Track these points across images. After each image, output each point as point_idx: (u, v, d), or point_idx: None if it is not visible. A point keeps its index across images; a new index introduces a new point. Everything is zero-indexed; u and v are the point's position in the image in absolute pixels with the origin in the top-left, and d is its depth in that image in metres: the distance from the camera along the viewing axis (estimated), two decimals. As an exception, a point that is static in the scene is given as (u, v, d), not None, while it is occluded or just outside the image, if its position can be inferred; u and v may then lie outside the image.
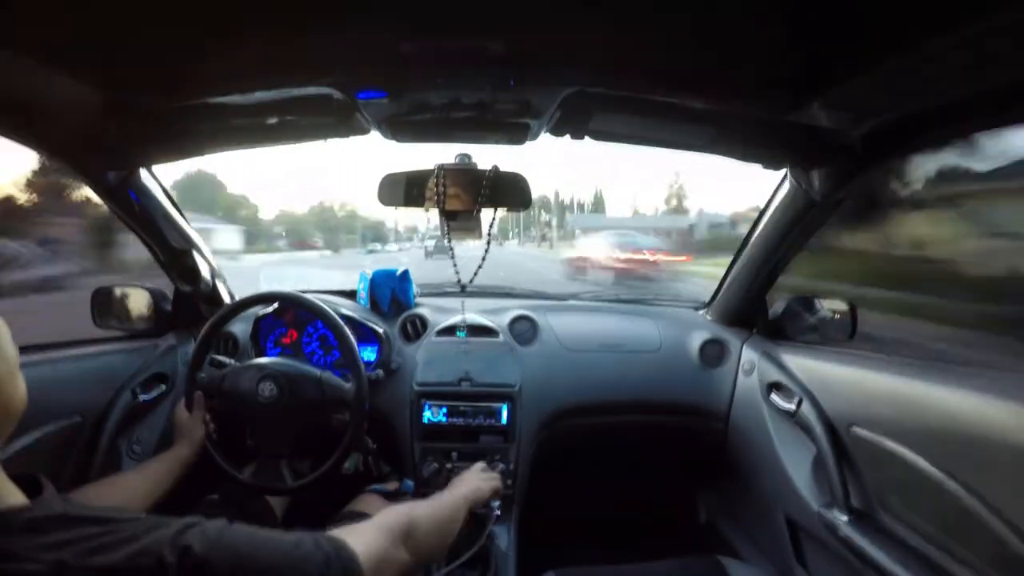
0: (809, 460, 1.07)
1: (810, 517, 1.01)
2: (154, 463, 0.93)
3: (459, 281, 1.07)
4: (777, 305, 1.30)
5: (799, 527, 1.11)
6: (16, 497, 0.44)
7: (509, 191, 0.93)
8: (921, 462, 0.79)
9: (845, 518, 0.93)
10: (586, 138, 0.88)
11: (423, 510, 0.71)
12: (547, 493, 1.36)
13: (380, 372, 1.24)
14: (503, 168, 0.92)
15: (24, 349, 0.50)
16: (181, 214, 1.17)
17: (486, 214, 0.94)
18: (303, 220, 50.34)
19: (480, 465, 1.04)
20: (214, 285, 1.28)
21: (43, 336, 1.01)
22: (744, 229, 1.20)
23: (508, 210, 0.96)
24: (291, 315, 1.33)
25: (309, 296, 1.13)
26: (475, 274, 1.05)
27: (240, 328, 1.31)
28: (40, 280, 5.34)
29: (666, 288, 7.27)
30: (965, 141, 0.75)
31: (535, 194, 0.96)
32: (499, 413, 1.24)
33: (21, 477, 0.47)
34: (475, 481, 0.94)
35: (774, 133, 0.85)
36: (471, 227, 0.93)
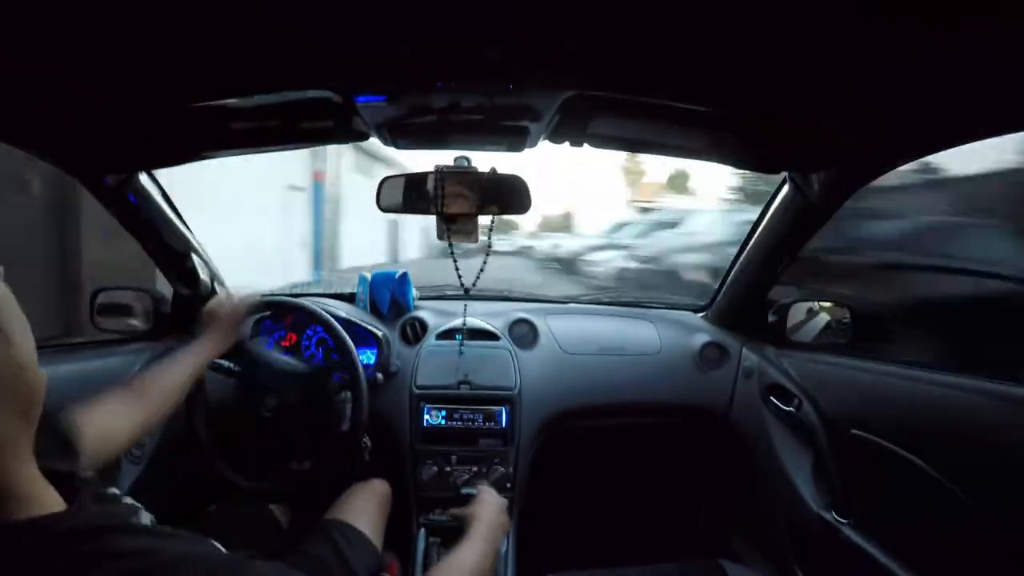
0: (809, 462, 1.07)
1: (810, 519, 1.01)
2: (179, 362, 0.88)
3: (462, 284, 1.07)
4: (776, 308, 1.30)
5: (799, 529, 1.10)
6: (55, 503, 0.41)
7: (508, 194, 0.92)
8: (921, 464, 0.79)
9: (845, 520, 0.92)
10: (585, 145, 0.88)
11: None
12: (546, 496, 1.36)
13: (379, 375, 1.24)
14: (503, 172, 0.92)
15: None
16: (180, 217, 1.17)
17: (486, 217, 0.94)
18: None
19: (488, 499, 0.87)
20: (213, 288, 1.28)
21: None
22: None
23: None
24: (290, 318, 1.32)
25: (307, 301, 1.13)
26: (477, 278, 1.05)
27: (240, 330, 1.31)
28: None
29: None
30: (966, 145, 0.75)
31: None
32: (498, 416, 1.24)
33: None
34: (493, 520, 0.82)
35: (774, 137, 0.85)
36: (469, 230, 0.93)
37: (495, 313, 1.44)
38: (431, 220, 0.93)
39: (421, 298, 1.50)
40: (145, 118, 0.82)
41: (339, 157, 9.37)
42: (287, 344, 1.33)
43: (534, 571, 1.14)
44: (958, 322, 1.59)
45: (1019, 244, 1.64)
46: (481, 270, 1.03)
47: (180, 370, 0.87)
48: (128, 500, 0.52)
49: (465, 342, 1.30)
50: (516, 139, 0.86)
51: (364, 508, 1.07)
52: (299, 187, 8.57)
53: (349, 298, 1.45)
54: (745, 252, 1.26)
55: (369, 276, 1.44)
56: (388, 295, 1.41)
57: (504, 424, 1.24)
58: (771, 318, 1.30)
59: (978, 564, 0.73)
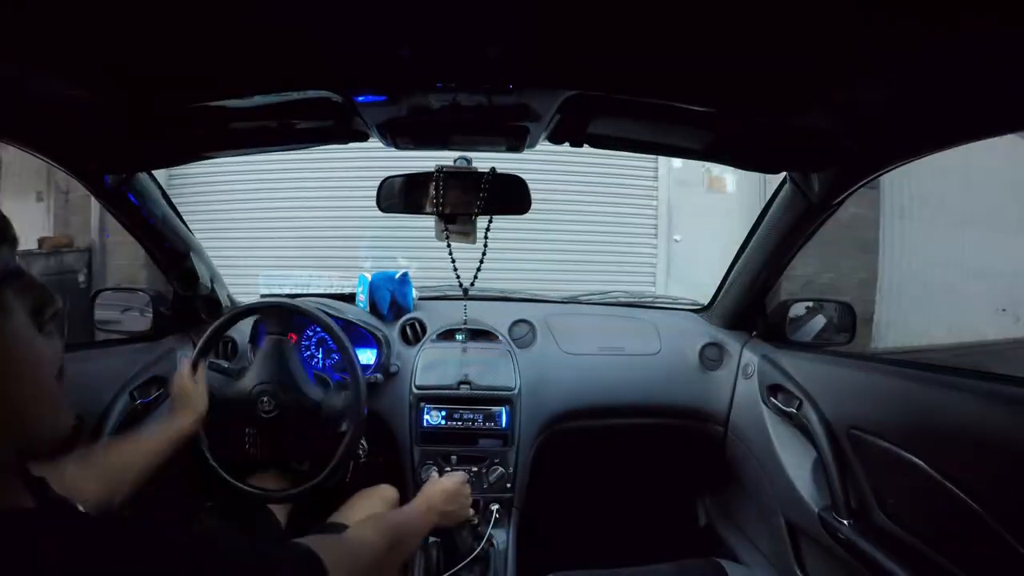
0: (809, 463, 1.07)
1: (810, 520, 1.01)
2: (153, 433, 0.89)
3: (460, 285, 1.07)
4: (777, 308, 1.30)
5: (799, 530, 1.10)
6: (23, 500, 0.42)
7: (508, 194, 0.93)
8: (921, 464, 0.79)
9: (845, 521, 0.92)
10: (584, 145, 0.88)
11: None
12: (546, 496, 1.36)
13: (379, 376, 1.24)
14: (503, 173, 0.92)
15: None
16: (180, 218, 1.17)
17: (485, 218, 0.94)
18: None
19: (455, 480, 0.99)
20: (213, 288, 1.28)
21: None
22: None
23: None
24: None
25: (308, 302, 1.13)
26: (475, 277, 1.05)
27: (239, 331, 1.31)
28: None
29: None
30: (966, 145, 0.75)
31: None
32: (498, 417, 1.24)
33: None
34: (441, 501, 0.93)
35: (774, 137, 0.85)
36: (468, 231, 0.93)
37: (494, 313, 1.44)
38: None
39: (420, 299, 1.50)
40: (145, 118, 0.82)
41: None
42: None
43: (534, 571, 1.14)
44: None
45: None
46: (478, 270, 1.03)
47: (146, 448, 0.85)
48: None
49: (465, 342, 1.30)
50: (516, 139, 0.86)
51: (369, 513, 1.07)
52: None
53: (349, 299, 1.45)
54: (746, 252, 1.26)
55: (369, 277, 1.44)
56: (388, 296, 1.41)
57: (504, 424, 1.24)
58: (771, 318, 1.30)
59: (978, 565, 0.73)
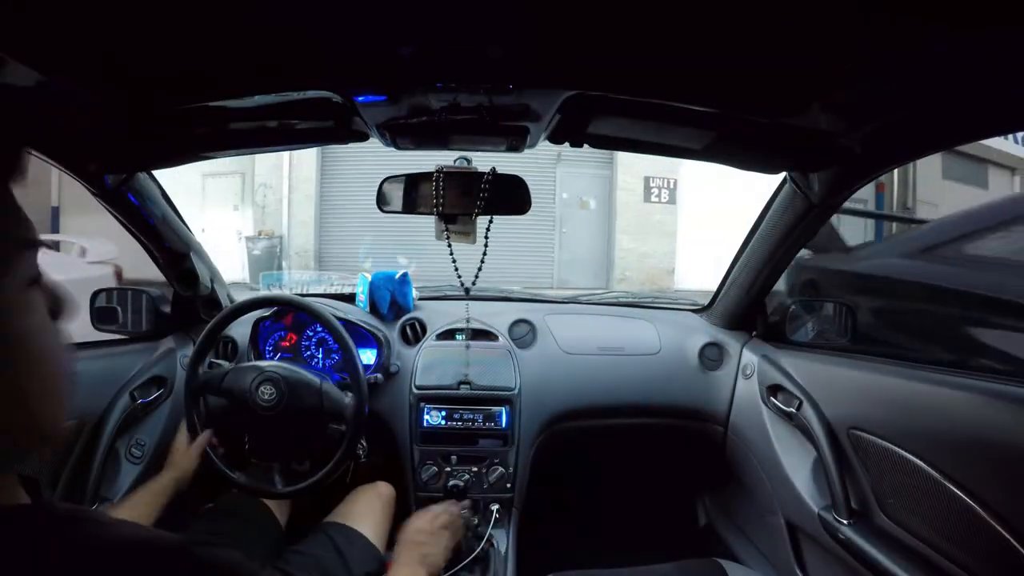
0: (809, 463, 1.07)
1: (810, 520, 1.01)
2: (140, 494, 0.93)
3: (462, 284, 1.07)
4: (776, 308, 1.30)
5: (799, 530, 1.11)
6: (19, 496, 0.43)
7: (508, 194, 0.93)
8: (920, 464, 0.79)
9: (845, 521, 0.93)
10: (585, 145, 0.88)
11: None
12: (546, 496, 1.36)
13: (379, 376, 1.24)
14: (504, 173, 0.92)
15: None
16: (180, 218, 1.17)
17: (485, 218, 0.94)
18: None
19: (427, 518, 0.94)
20: (213, 288, 1.28)
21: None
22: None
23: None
24: (290, 318, 1.33)
25: (309, 300, 1.13)
26: (476, 277, 1.05)
27: (239, 331, 1.31)
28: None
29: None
30: (966, 145, 0.75)
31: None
32: (498, 417, 1.24)
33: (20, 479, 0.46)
34: (422, 548, 0.88)
35: (774, 137, 0.85)
36: (468, 231, 0.93)
37: (494, 313, 1.44)
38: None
39: (421, 298, 1.50)
40: (145, 118, 0.82)
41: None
42: (287, 344, 1.33)
43: (534, 571, 1.14)
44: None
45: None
46: (479, 269, 1.03)
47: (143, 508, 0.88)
48: None
49: (465, 342, 1.30)
50: (516, 139, 0.86)
51: (367, 511, 1.07)
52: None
53: (349, 298, 1.45)
54: (745, 252, 1.26)
55: (369, 277, 1.44)
56: (388, 295, 1.41)
57: (504, 425, 1.24)
58: (771, 318, 1.30)
59: (978, 565, 0.73)
